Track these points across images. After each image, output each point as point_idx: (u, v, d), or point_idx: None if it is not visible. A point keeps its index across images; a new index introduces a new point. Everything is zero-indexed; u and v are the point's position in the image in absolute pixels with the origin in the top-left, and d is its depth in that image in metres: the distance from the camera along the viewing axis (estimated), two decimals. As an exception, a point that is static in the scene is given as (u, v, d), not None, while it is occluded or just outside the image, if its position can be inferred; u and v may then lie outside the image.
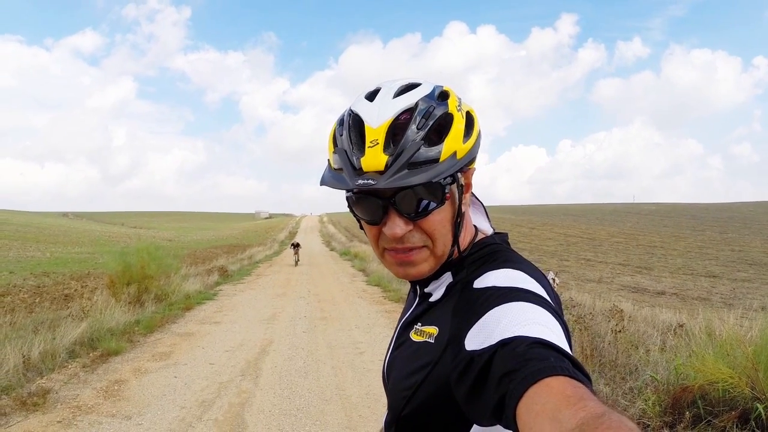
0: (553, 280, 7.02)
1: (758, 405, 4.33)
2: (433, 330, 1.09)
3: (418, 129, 1.02)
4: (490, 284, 1.01)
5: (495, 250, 1.16)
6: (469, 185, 1.15)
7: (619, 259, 37.43)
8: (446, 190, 1.05)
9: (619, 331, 7.05)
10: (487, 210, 1.30)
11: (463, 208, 1.12)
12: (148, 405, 6.00)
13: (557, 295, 1.09)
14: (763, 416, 4.28)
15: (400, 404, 1.10)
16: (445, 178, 1.04)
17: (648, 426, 4.92)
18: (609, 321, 7.73)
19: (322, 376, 7.20)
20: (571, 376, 0.74)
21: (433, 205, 1.05)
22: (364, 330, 10.29)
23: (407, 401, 1.08)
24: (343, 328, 10.57)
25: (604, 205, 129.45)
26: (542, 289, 1.01)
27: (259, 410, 5.90)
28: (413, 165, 0.99)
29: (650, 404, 5.02)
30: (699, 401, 4.73)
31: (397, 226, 1.05)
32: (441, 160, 1.01)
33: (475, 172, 1.16)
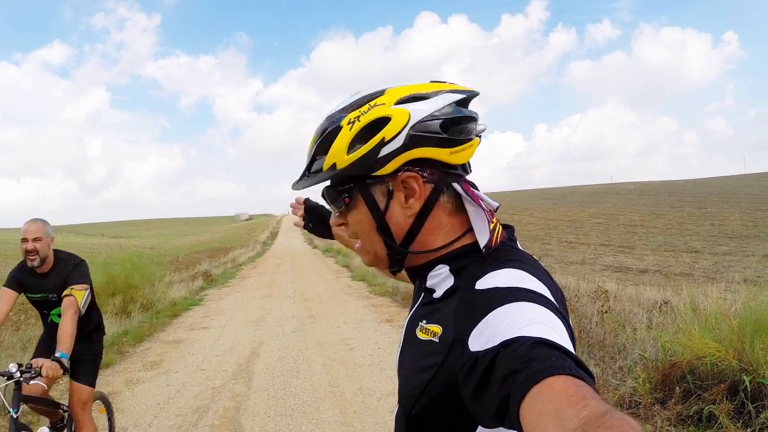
0: (537, 264, 7.06)
1: (745, 377, 4.40)
2: (437, 329, 1.09)
3: (314, 142, 1.19)
4: (492, 285, 1.01)
5: (498, 248, 1.14)
6: (413, 190, 1.13)
7: (600, 239, 37.61)
8: (344, 197, 1.18)
9: (606, 312, 7.12)
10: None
11: (408, 212, 1.14)
12: (143, 415, 5.98)
13: (562, 292, 1.09)
14: (749, 388, 4.36)
15: (409, 403, 1.12)
16: (338, 186, 1.18)
17: (639, 403, 4.98)
18: (595, 302, 7.80)
19: (314, 374, 7.22)
20: (573, 375, 0.75)
21: (340, 206, 1.21)
22: (353, 326, 10.32)
23: (416, 400, 1.09)
24: (331, 325, 10.60)
25: (582, 187, 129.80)
26: (545, 287, 1.00)
27: (255, 413, 5.91)
28: (311, 173, 1.19)
29: (640, 382, 5.09)
30: (688, 376, 4.79)
31: (332, 215, 1.27)
32: (323, 170, 1.15)
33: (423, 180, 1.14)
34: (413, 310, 1.26)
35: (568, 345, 0.83)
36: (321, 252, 35.06)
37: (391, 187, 1.14)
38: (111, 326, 10.11)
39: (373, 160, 1.11)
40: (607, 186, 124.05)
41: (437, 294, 1.17)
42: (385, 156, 1.10)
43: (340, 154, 1.12)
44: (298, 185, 1.24)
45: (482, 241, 1.17)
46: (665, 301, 7.81)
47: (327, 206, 1.28)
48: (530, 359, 0.78)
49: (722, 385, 4.50)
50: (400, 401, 1.20)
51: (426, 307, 1.19)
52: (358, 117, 1.13)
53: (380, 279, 15.55)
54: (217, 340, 9.73)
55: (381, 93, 1.14)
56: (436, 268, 1.17)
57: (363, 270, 18.26)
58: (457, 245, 1.17)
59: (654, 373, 5.15)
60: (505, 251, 1.14)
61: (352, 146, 1.12)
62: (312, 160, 1.19)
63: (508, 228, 1.24)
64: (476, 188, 1.19)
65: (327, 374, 7.17)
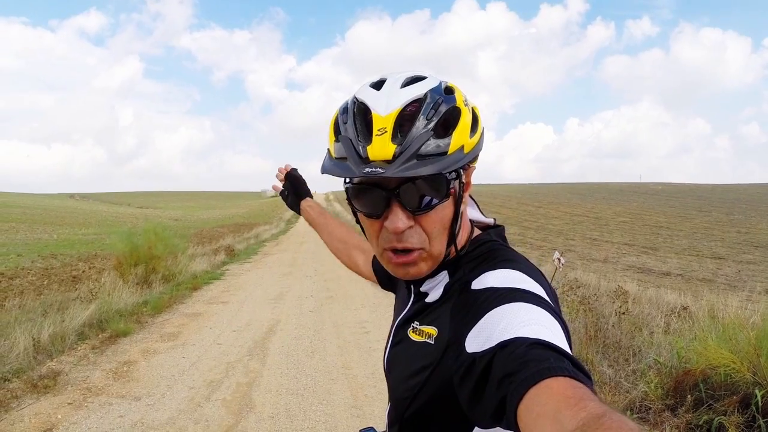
0: (559, 260, 7.02)
1: (757, 391, 4.35)
2: (432, 330, 1.09)
3: (427, 120, 1.02)
4: (488, 285, 1.02)
5: (492, 248, 1.15)
6: (468, 184, 1.15)
7: (625, 238, 37.28)
8: (450, 185, 1.06)
9: (623, 313, 7.08)
10: (477, 202, 1.30)
11: (462, 207, 1.12)
12: (157, 386, 6.08)
13: (555, 292, 1.09)
14: (761, 402, 4.31)
15: (403, 405, 1.12)
16: (451, 172, 1.04)
17: (650, 409, 4.96)
18: (614, 302, 7.76)
19: (328, 355, 7.27)
20: (571, 377, 0.75)
21: (435, 200, 1.05)
22: (370, 309, 10.33)
23: (410, 402, 1.10)
24: (348, 307, 10.61)
25: (610, 185, 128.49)
26: (541, 288, 1.01)
27: (267, 390, 5.97)
28: (422, 156, 0.99)
29: (653, 387, 5.05)
30: (701, 385, 4.75)
31: (399, 219, 1.04)
32: (449, 152, 1.02)
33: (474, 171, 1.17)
34: (403, 312, 1.25)
35: (564, 346, 0.83)
36: (345, 233, 35.00)
37: (464, 179, 1.11)
38: (131, 295, 10.28)
39: (479, 150, 1.11)
40: (635, 185, 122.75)
41: (430, 297, 1.17)
42: (470, 151, 1.08)
43: (466, 137, 1.06)
44: (402, 169, 0.98)
45: (479, 217, 1.25)
46: (684, 307, 7.74)
47: (403, 201, 1.05)
48: (528, 360, 0.79)
49: (734, 397, 4.45)
50: (392, 401, 1.20)
51: (417, 308, 1.19)
52: (465, 101, 1.10)
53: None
54: (235, 316, 9.81)
55: (452, 88, 1.11)
56: (439, 275, 1.16)
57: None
58: (461, 245, 1.17)
59: (667, 379, 5.12)
60: (500, 251, 1.14)
61: (472, 130, 1.08)
62: (422, 142, 1.00)
63: (498, 227, 1.26)
64: None
65: (341, 356, 7.21)
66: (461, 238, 1.16)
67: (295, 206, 2.07)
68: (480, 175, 1.22)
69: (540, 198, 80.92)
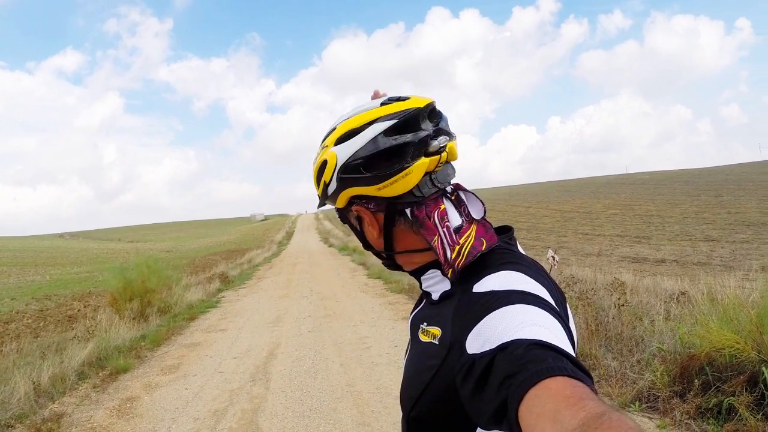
0: (553, 257, 7.02)
1: (764, 368, 4.35)
2: (437, 331, 1.10)
3: None
4: (489, 288, 1.02)
5: (496, 252, 1.15)
6: (365, 220, 1.26)
7: (616, 230, 37.43)
8: (345, 214, 1.32)
9: (623, 305, 7.07)
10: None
11: (375, 233, 1.26)
12: (162, 420, 6.01)
13: (562, 292, 1.10)
14: (769, 379, 4.31)
15: (409, 404, 1.13)
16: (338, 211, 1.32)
17: (658, 397, 4.95)
18: (611, 294, 7.75)
19: (331, 374, 7.23)
20: (570, 376, 0.75)
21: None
22: (369, 324, 10.31)
23: (415, 402, 1.10)
24: (348, 324, 10.58)
25: (597, 178, 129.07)
26: (543, 288, 1.01)
27: (272, 414, 5.92)
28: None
29: (659, 375, 5.05)
30: (707, 368, 4.75)
31: None
32: (318, 195, 1.31)
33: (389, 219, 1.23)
34: (414, 312, 1.30)
35: (565, 346, 0.84)
36: (337, 251, 34.98)
37: (356, 214, 1.27)
38: (128, 331, 10.23)
39: (327, 198, 1.28)
40: (622, 177, 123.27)
41: (435, 297, 1.20)
42: (331, 194, 1.24)
43: (315, 187, 1.30)
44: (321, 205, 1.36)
45: (444, 265, 1.17)
46: (683, 292, 7.74)
47: None
48: (527, 361, 0.79)
49: (741, 377, 4.46)
50: (400, 403, 1.21)
51: (426, 309, 1.22)
52: (315, 158, 1.29)
53: (396, 276, 15.36)
54: (235, 342, 9.76)
55: (333, 129, 1.24)
56: (429, 272, 1.22)
57: (378, 267, 18.17)
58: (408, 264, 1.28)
59: (672, 366, 5.11)
60: (504, 254, 1.15)
61: (316, 183, 1.29)
62: None
63: (506, 229, 1.26)
64: (464, 191, 1.24)
65: (344, 374, 7.18)
66: (408, 258, 1.28)
67: None
68: (466, 180, 1.25)
69: (529, 198, 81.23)
